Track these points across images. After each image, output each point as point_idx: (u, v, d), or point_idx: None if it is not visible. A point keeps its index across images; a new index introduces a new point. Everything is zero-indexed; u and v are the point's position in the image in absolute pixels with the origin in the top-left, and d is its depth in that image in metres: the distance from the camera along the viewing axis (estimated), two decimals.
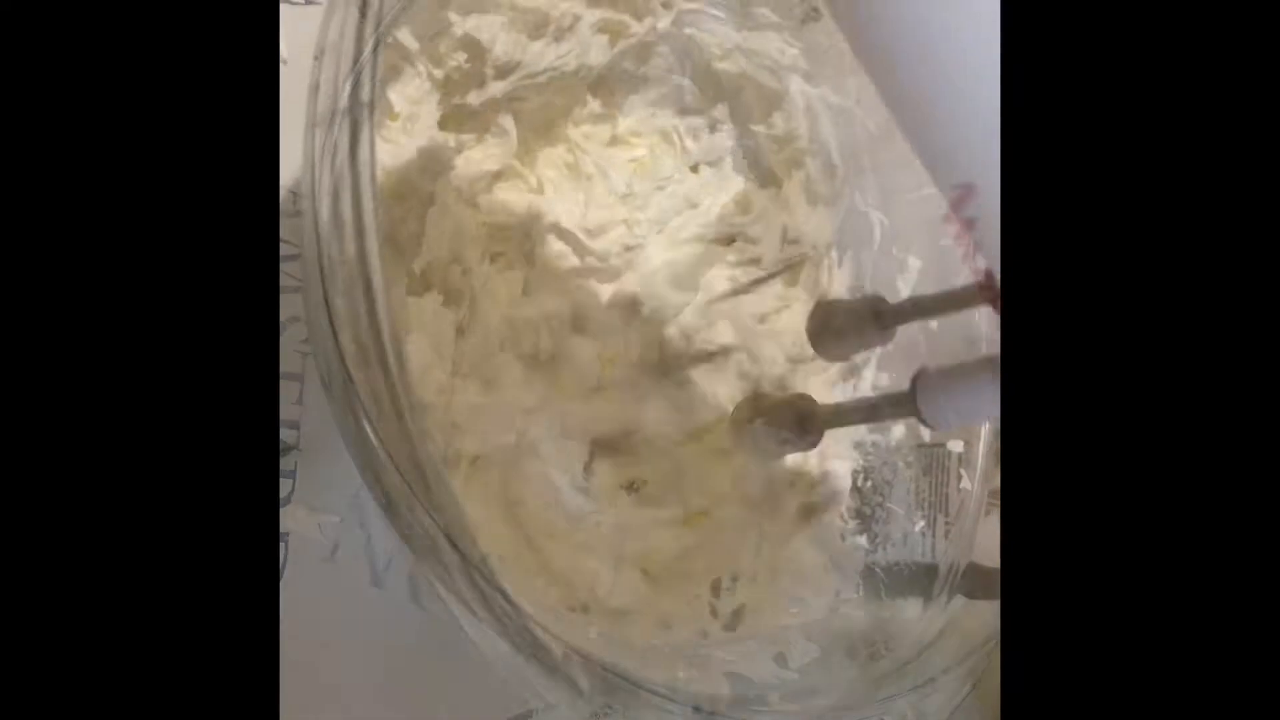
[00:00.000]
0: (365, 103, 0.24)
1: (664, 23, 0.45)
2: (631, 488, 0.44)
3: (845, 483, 0.48)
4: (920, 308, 0.41)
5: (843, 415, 0.41)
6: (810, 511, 0.46)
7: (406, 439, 0.25)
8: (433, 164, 0.37)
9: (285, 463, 0.40)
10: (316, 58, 0.28)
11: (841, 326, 0.41)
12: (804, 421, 0.39)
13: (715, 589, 0.44)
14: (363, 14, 0.27)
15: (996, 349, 0.35)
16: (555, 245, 0.42)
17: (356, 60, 0.26)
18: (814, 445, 0.42)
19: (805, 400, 0.40)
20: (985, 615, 0.45)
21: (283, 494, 0.40)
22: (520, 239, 0.42)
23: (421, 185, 0.37)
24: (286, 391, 0.39)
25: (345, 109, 0.25)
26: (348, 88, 0.25)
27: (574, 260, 0.43)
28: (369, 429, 0.25)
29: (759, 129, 0.49)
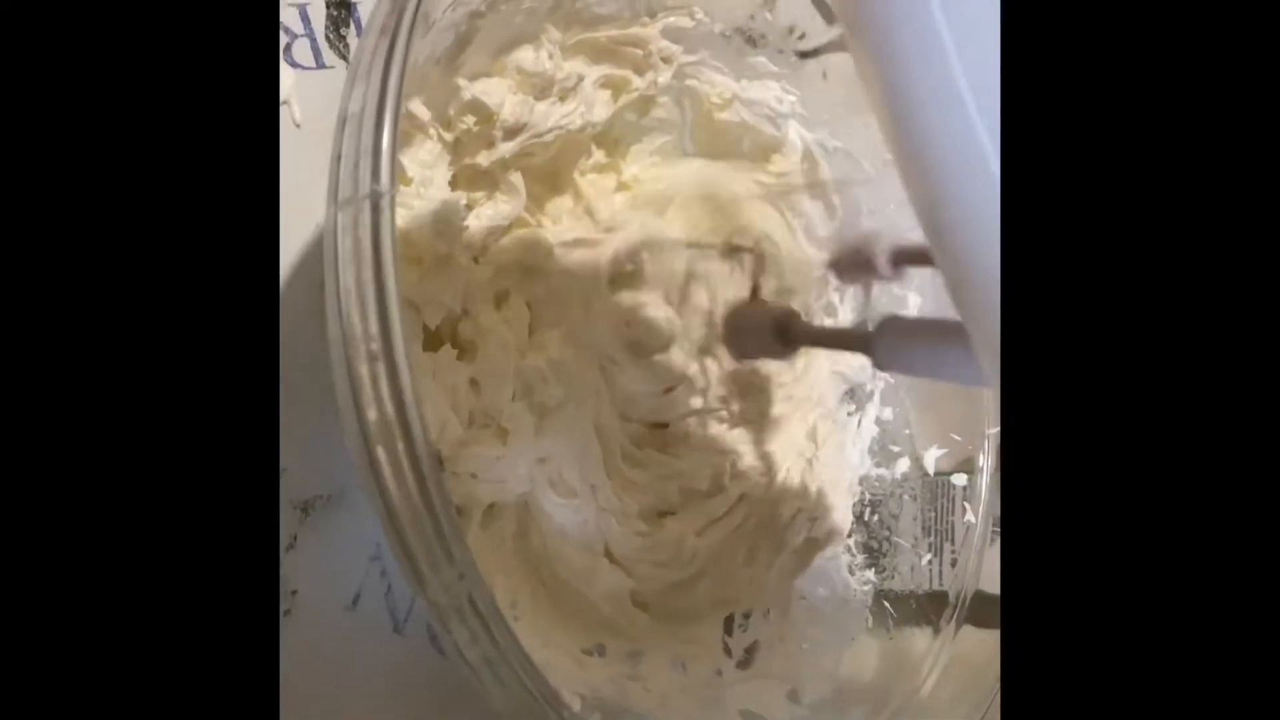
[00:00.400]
0: (386, 191, 0.26)
1: (664, 77, 0.46)
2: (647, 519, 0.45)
3: (846, 517, 0.49)
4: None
5: (818, 337, 0.44)
6: (813, 546, 0.47)
7: (426, 500, 0.26)
8: (445, 225, 0.38)
9: (309, 509, 0.41)
10: (339, 128, 0.29)
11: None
12: (783, 332, 0.41)
13: (729, 626, 0.45)
14: (384, 87, 0.28)
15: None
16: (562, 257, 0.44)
17: (377, 136, 0.27)
18: (788, 357, 0.44)
19: (791, 314, 0.42)
20: (993, 644, 0.46)
21: (304, 541, 0.41)
22: (521, 272, 0.43)
23: (435, 246, 0.38)
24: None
25: (368, 193, 0.26)
26: (368, 168, 0.27)
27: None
28: (390, 490, 0.26)
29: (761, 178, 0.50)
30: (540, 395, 0.41)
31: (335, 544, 0.41)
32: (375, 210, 0.25)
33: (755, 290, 0.45)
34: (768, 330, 0.41)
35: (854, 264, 0.41)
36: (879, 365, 0.36)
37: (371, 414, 0.26)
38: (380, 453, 0.26)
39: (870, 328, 0.37)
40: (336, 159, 0.28)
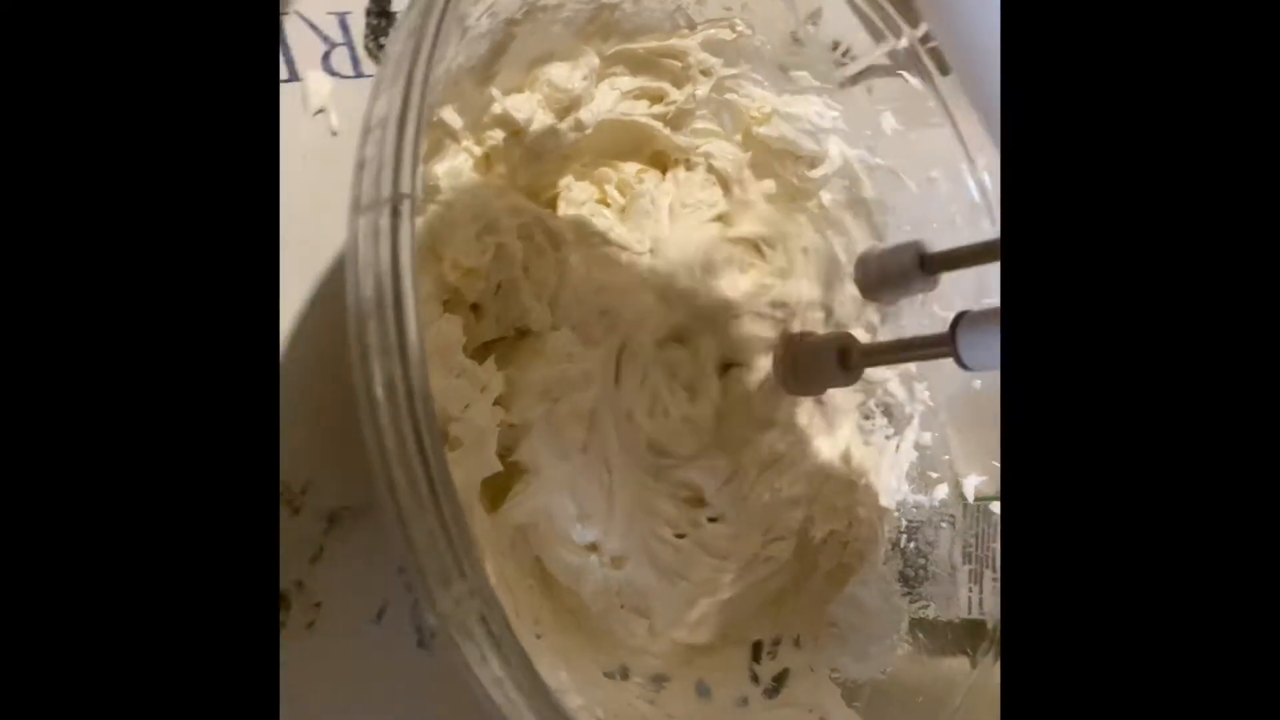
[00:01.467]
0: (406, 194, 0.25)
1: (703, 90, 0.45)
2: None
3: (881, 542, 0.47)
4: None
5: (882, 354, 0.44)
6: (846, 572, 0.46)
7: (441, 522, 0.25)
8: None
9: (335, 521, 0.41)
10: (363, 135, 0.29)
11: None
12: (845, 355, 0.41)
13: (756, 653, 0.44)
14: (407, 92, 0.27)
15: None
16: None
17: (399, 142, 0.27)
18: (853, 381, 0.44)
19: (847, 337, 0.42)
20: None
21: (329, 553, 0.40)
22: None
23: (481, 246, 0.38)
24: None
25: (389, 197, 0.26)
26: (390, 172, 0.26)
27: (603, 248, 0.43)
28: (406, 513, 0.26)
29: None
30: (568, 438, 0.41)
31: (361, 556, 0.41)
32: (395, 215, 0.25)
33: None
34: (831, 358, 0.41)
35: (883, 280, 0.41)
36: (965, 364, 0.35)
37: (388, 430, 0.25)
38: (395, 468, 0.25)
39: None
40: (360, 166, 0.28)
